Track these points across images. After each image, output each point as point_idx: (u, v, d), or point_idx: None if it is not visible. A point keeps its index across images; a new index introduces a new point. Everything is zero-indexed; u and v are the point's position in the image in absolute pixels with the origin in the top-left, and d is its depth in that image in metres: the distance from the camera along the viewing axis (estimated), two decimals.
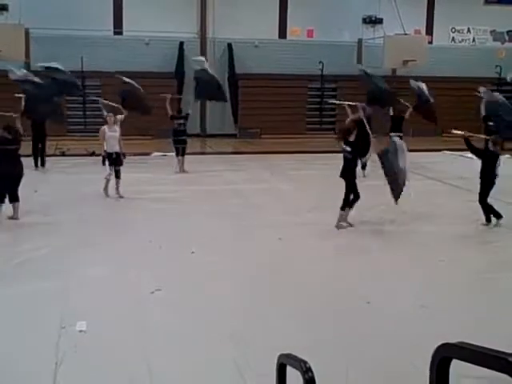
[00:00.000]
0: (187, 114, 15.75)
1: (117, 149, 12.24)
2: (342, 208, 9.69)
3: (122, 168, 12.21)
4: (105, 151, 12.73)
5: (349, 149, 9.54)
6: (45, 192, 11.47)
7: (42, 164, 15.62)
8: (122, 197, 12.09)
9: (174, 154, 15.68)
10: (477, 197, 9.80)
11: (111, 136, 12.29)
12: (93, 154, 17.17)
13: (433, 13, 25.31)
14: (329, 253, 8.45)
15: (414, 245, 8.78)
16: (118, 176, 12.16)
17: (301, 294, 6.72)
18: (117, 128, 12.37)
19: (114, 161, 12.20)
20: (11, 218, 10.03)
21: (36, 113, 13.13)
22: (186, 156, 15.50)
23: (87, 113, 22.00)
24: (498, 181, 9.73)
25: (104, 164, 12.73)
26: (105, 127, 12.49)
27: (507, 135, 11.13)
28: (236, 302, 6.50)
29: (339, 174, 9.69)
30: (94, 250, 8.37)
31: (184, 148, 15.44)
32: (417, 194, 10.63)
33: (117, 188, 12.17)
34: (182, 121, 15.52)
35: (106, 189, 12.13)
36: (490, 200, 9.80)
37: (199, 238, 9.09)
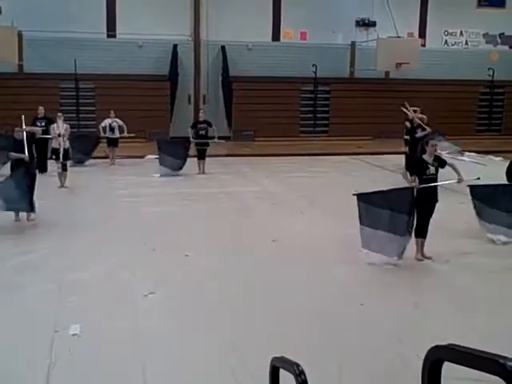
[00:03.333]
0: (208, 122, 16.26)
1: (64, 145, 13.37)
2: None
3: (116, 171, 12.34)
4: (52, 148, 13.79)
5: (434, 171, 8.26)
6: (40, 195, 11.43)
7: (45, 170, 15.46)
8: (66, 187, 13.26)
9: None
10: (467, 198, 9.76)
11: (59, 133, 13.41)
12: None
13: (426, 16, 25.39)
14: (323, 254, 8.45)
15: (408, 246, 8.79)
16: (65, 169, 13.39)
17: (295, 296, 6.73)
18: (65, 125, 13.62)
19: (62, 156, 13.27)
20: (18, 221, 10.21)
21: None
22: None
23: (80, 115, 21.97)
24: None
25: (52, 158, 13.89)
26: (54, 125, 13.70)
27: None
28: (230, 304, 6.49)
29: (435, 198, 8.23)
30: (87, 253, 8.36)
31: (205, 150, 15.93)
32: None
33: (64, 179, 13.38)
34: (204, 125, 16.01)
35: (60, 180, 13.38)
36: None
37: (193, 240, 9.09)
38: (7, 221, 10.01)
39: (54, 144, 13.61)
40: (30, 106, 15.64)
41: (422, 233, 8.25)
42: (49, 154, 14.78)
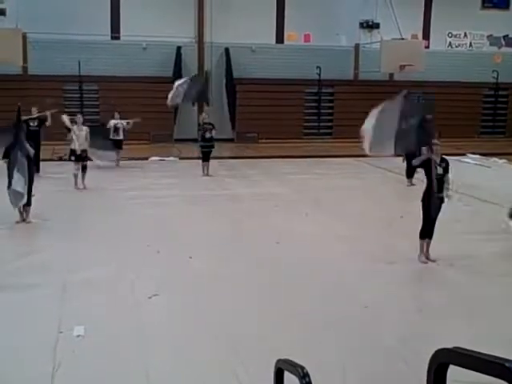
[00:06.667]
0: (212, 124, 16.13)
1: (83, 147, 13.53)
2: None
3: (120, 172, 12.40)
4: (71, 149, 13.74)
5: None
6: (42, 196, 11.46)
7: (37, 170, 15.18)
8: (85, 188, 13.49)
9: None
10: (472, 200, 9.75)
11: (79, 135, 13.50)
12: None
13: (430, 17, 25.38)
14: (327, 256, 8.44)
15: (413, 248, 8.77)
16: (83, 170, 13.54)
17: (299, 299, 6.73)
18: (83, 128, 13.68)
19: (80, 157, 13.47)
20: (23, 221, 10.16)
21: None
22: (185, 160, 15.61)
23: (84, 117, 21.98)
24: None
25: (70, 159, 13.87)
26: (75, 127, 13.69)
27: None
28: (234, 307, 6.49)
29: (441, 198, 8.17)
30: (91, 255, 8.36)
31: (210, 153, 15.86)
32: (411, 198, 10.63)
33: (82, 181, 13.53)
34: (210, 126, 15.88)
35: (76, 182, 13.51)
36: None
37: (197, 242, 9.09)
38: (11, 222, 10.04)
39: (72, 145, 13.58)
40: (37, 107, 15.65)
41: (428, 233, 8.23)
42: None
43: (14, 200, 9.87)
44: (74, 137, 13.44)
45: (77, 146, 13.43)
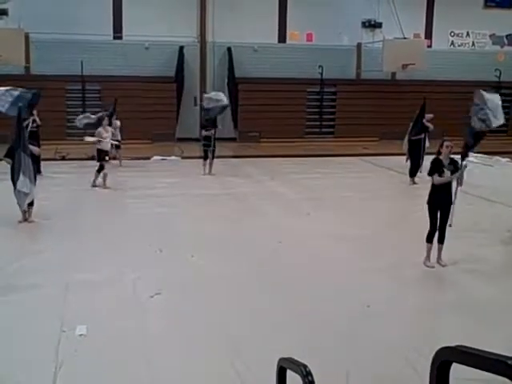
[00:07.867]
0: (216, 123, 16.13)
1: (103, 146, 13.58)
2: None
3: (122, 172, 12.40)
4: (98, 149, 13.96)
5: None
6: (44, 196, 11.47)
7: (39, 171, 14.92)
8: (105, 187, 13.49)
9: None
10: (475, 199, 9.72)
11: (105, 136, 13.72)
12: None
13: (432, 17, 25.35)
14: (329, 256, 8.44)
15: (415, 247, 8.75)
16: (99, 170, 13.57)
17: (300, 298, 6.72)
18: (108, 129, 13.92)
19: (99, 156, 13.66)
20: (25, 220, 10.18)
21: None
22: (187, 159, 15.56)
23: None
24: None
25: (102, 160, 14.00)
26: (101, 128, 13.85)
27: None
28: (236, 306, 6.49)
29: (449, 201, 8.01)
30: (93, 254, 8.37)
31: (213, 151, 15.80)
32: (414, 197, 10.62)
33: (104, 180, 13.61)
34: (211, 127, 15.86)
35: (104, 181, 13.63)
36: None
37: (199, 241, 9.09)
38: (14, 221, 10.05)
39: (101, 145, 13.68)
40: (37, 107, 15.64)
41: (439, 239, 8.03)
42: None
43: (21, 201, 9.91)
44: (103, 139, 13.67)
45: (107, 146, 13.69)
